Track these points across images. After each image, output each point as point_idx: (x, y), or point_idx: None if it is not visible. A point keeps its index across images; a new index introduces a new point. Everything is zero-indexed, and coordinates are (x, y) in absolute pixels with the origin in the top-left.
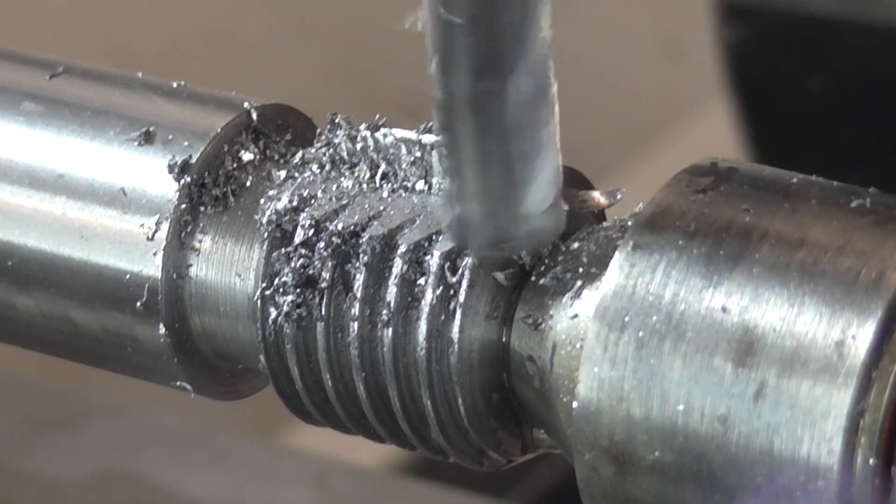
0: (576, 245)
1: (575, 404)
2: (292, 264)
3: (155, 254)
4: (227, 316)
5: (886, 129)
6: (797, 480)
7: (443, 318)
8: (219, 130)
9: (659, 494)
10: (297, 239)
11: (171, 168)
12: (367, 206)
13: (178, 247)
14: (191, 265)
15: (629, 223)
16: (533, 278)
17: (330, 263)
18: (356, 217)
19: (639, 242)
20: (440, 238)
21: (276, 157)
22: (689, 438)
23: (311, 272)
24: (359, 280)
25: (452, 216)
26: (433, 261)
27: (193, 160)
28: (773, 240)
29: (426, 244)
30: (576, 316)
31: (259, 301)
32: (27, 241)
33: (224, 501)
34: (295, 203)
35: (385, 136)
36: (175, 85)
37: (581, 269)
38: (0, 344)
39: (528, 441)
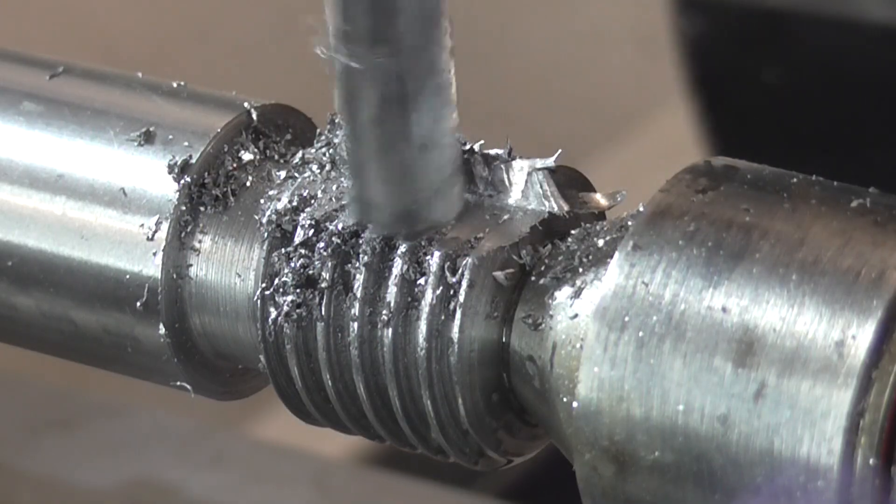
0: (576, 245)
1: (575, 404)
2: (292, 264)
3: (155, 254)
4: (227, 316)
5: (841, 121)
6: (797, 480)
7: (443, 318)
8: (219, 130)
9: (659, 494)
10: (297, 239)
11: (171, 168)
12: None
13: (178, 247)
14: (191, 265)
15: (629, 223)
16: (533, 278)
17: (330, 263)
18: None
19: (639, 242)
20: (437, 236)
21: (276, 156)
22: (689, 438)
23: (311, 272)
24: (359, 280)
25: (353, 193)
26: (433, 261)
27: (193, 160)
28: (773, 240)
29: (426, 244)
30: (576, 316)
31: (259, 301)
32: (27, 241)
33: (224, 501)
34: (295, 203)
35: None
36: (175, 85)
37: (581, 269)
38: (0, 344)
39: (527, 441)
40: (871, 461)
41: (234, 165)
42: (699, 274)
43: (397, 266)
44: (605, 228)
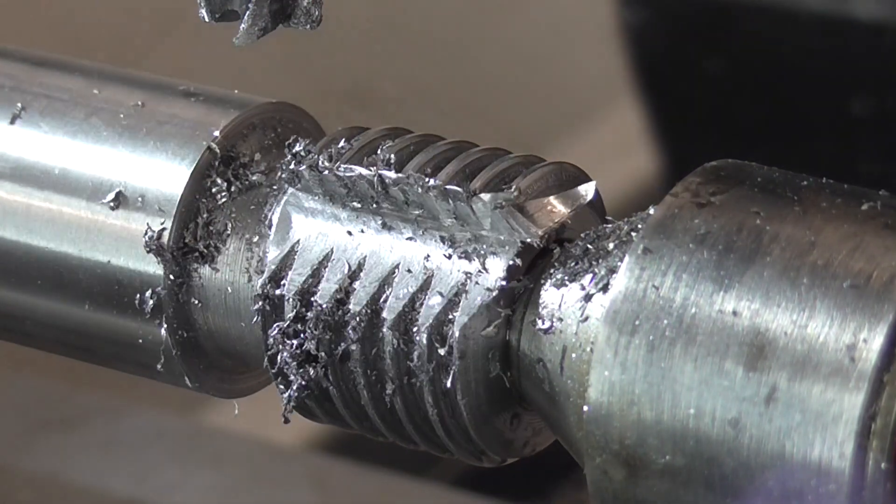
0: (585, 248)
1: (585, 408)
2: (288, 343)
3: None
4: (231, 315)
5: (782, 111)
6: (808, 484)
7: (446, 383)
8: (186, 182)
9: (670, 498)
10: (288, 313)
11: (148, 245)
12: (343, 263)
13: (184, 247)
14: (195, 263)
15: (639, 226)
16: (542, 282)
17: (324, 337)
18: (336, 279)
19: (649, 246)
20: (424, 299)
21: (250, 181)
22: (701, 442)
23: (308, 347)
24: (356, 354)
25: None
26: (420, 335)
27: (168, 225)
28: (783, 243)
29: (410, 311)
30: (586, 319)
31: (270, 370)
32: (29, 240)
33: (224, 501)
34: (274, 268)
35: (346, 171)
36: (133, 120)
37: (591, 273)
38: (0, 343)
39: (533, 441)
40: (882, 465)
41: (209, 214)
42: (710, 277)
43: (388, 342)
44: (615, 231)
